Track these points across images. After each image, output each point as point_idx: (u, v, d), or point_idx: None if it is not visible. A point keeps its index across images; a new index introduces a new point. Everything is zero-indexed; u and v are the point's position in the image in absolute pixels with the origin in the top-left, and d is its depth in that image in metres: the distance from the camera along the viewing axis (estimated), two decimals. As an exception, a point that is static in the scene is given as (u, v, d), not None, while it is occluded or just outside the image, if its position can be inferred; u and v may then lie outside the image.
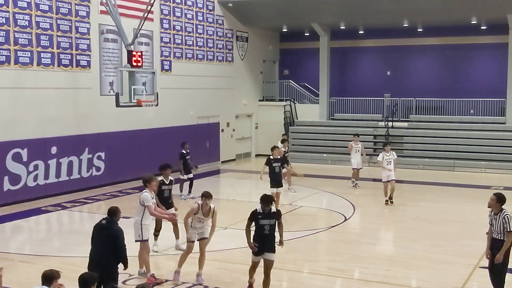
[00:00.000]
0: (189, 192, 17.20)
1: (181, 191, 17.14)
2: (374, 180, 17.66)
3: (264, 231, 8.74)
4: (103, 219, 8.22)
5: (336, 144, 24.74)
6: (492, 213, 8.48)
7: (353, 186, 18.88)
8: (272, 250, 8.81)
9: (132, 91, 16.60)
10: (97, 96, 18.84)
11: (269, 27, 28.80)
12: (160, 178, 11.34)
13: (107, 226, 8.07)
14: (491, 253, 8.47)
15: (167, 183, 11.56)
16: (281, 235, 8.98)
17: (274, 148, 15.32)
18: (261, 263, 8.90)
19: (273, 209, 8.90)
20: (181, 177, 17.23)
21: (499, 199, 8.43)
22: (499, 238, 8.33)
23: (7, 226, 14.12)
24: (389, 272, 10.20)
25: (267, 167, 14.85)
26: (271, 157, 14.89)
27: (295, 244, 12.13)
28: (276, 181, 14.70)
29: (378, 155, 17.19)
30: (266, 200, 8.77)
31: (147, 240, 9.91)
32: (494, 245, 8.42)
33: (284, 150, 17.96)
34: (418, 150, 24.23)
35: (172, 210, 11.33)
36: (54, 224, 14.87)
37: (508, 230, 8.19)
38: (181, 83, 22.64)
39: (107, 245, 7.92)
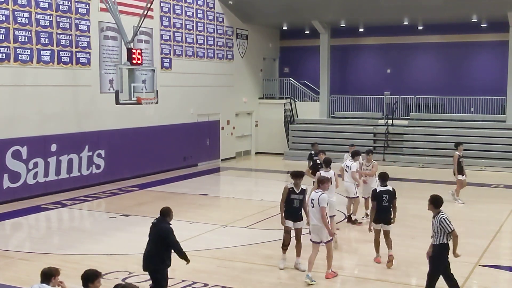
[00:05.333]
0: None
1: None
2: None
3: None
4: (156, 218, 8.37)
5: (336, 142, 24.69)
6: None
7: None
8: None
9: (132, 88, 16.56)
10: (97, 93, 18.82)
11: (269, 25, 28.77)
12: (290, 185, 10.13)
13: (156, 225, 8.25)
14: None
15: (297, 192, 10.08)
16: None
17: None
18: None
19: None
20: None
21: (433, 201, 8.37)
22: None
23: (7, 223, 14.12)
24: (389, 270, 10.18)
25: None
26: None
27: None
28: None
29: (380, 154, 17.11)
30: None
31: (330, 241, 9.76)
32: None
33: (458, 154, 16.85)
34: (418, 148, 24.18)
35: (300, 224, 10.23)
36: (54, 222, 14.85)
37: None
38: (181, 81, 22.62)
39: (154, 243, 8.12)
